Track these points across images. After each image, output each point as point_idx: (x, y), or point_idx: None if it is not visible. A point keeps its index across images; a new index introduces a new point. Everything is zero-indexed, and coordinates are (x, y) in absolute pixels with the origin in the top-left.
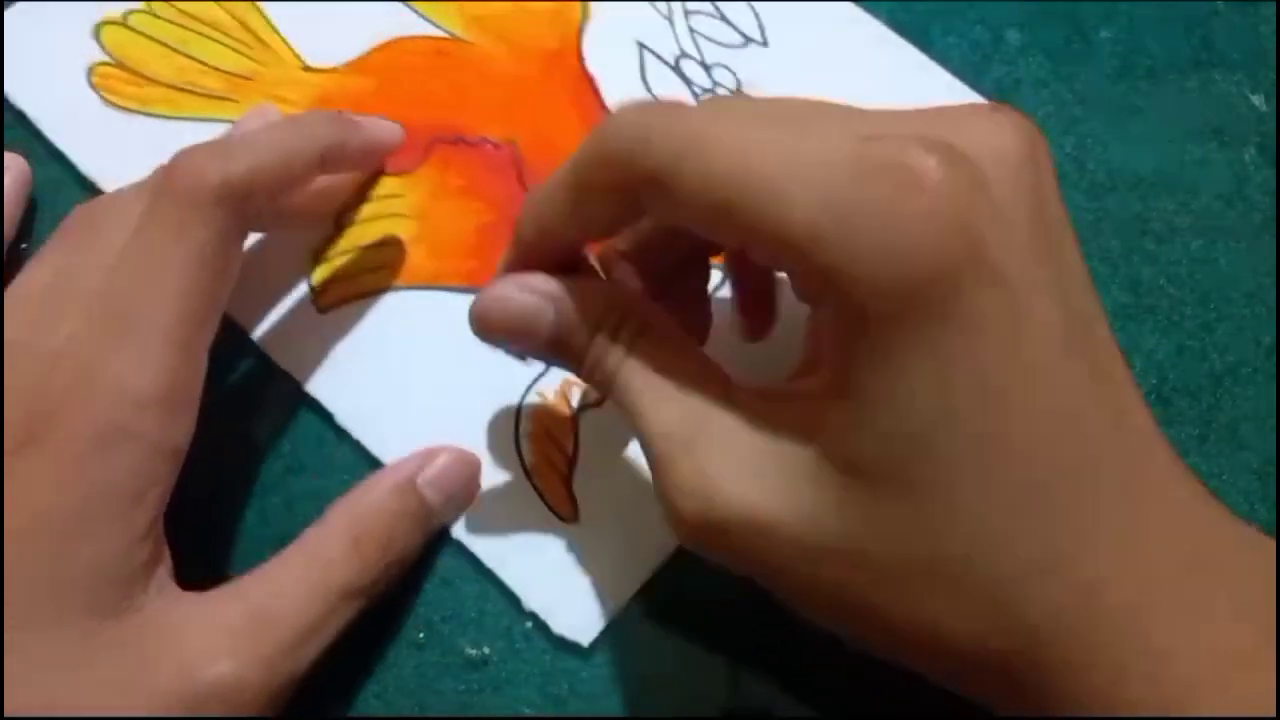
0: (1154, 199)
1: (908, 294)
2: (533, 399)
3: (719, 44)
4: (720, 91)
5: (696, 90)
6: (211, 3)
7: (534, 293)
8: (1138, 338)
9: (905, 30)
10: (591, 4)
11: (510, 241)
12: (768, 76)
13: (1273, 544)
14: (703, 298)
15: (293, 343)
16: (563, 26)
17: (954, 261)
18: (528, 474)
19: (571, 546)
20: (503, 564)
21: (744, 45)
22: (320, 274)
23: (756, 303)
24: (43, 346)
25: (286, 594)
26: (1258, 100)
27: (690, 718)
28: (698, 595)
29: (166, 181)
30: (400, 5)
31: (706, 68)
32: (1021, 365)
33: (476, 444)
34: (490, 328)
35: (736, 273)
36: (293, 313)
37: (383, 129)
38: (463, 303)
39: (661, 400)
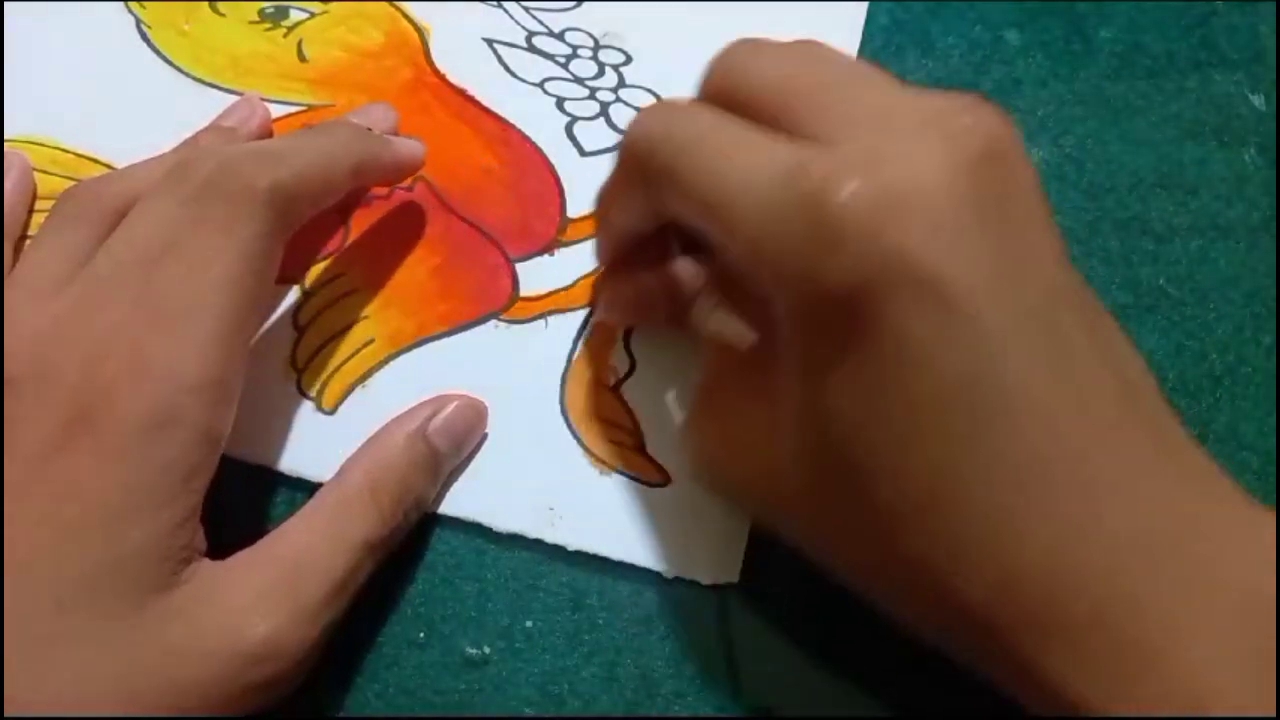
0: (1153, 199)
1: (825, 313)
2: (571, 390)
3: (555, 10)
4: (582, 54)
5: (559, 60)
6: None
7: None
8: (1138, 338)
9: (905, 30)
10: (426, 24)
11: (598, 232)
12: (619, 24)
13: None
14: None
15: (312, 452)
16: (408, 53)
17: (865, 282)
18: (602, 461)
19: (678, 503)
20: (629, 551)
21: (578, 3)
22: (312, 379)
23: None
24: (88, 332)
25: (314, 550)
26: (1257, 100)
27: (690, 717)
28: (698, 596)
29: (216, 182)
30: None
31: (558, 36)
32: (954, 365)
33: (539, 456)
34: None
35: None
36: (302, 426)
37: (409, 146)
38: (455, 344)
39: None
